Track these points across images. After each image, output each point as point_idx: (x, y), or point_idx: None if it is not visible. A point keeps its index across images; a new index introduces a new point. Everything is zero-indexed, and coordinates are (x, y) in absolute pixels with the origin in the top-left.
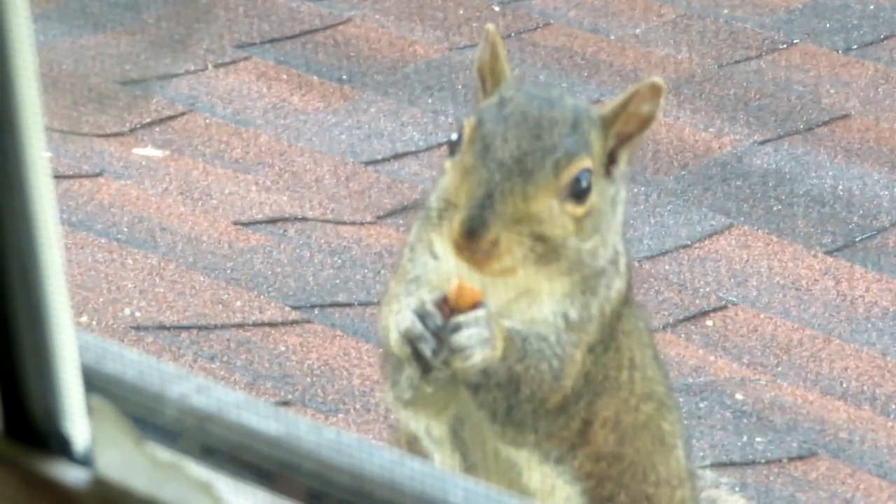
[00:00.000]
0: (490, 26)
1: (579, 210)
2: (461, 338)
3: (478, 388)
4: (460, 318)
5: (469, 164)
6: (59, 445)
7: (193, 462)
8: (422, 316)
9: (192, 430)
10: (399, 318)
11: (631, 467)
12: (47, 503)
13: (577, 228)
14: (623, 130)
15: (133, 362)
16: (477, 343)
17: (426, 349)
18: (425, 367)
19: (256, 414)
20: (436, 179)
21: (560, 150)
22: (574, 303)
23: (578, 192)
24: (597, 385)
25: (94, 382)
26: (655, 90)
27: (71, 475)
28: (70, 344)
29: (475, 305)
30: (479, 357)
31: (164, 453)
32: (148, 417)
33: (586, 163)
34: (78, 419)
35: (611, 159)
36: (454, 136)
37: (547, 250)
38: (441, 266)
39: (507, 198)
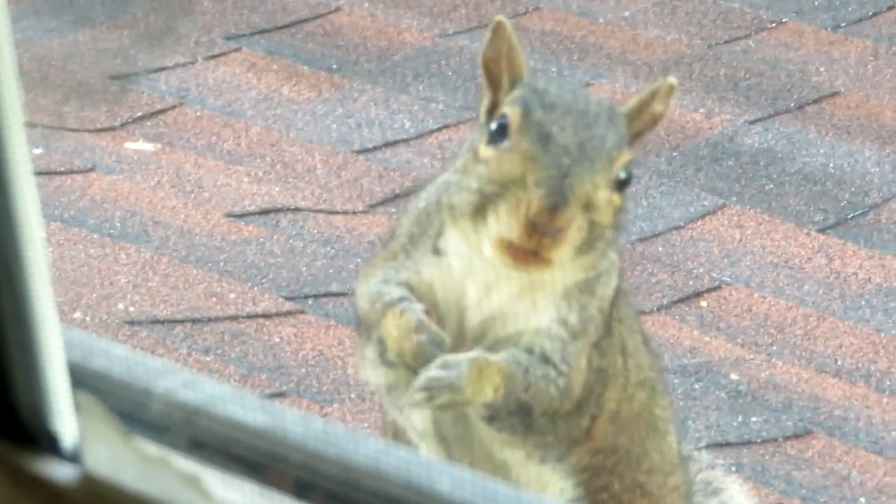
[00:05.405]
0: (502, 19)
1: (619, 202)
2: (425, 380)
3: (491, 419)
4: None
5: (529, 150)
6: (47, 443)
7: (181, 456)
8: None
9: (180, 424)
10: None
11: (626, 457)
12: (36, 500)
13: (616, 220)
14: (638, 128)
15: (120, 358)
16: (441, 387)
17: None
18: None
19: (243, 406)
20: (462, 172)
21: (612, 141)
22: (572, 305)
23: (620, 184)
24: (604, 377)
25: (82, 379)
26: (670, 89)
27: (59, 472)
28: (56, 341)
29: None
30: (442, 400)
31: (151, 448)
32: (135, 413)
33: (629, 155)
34: (65, 416)
35: None
36: (493, 126)
37: (595, 240)
38: (442, 262)
39: (581, 181)
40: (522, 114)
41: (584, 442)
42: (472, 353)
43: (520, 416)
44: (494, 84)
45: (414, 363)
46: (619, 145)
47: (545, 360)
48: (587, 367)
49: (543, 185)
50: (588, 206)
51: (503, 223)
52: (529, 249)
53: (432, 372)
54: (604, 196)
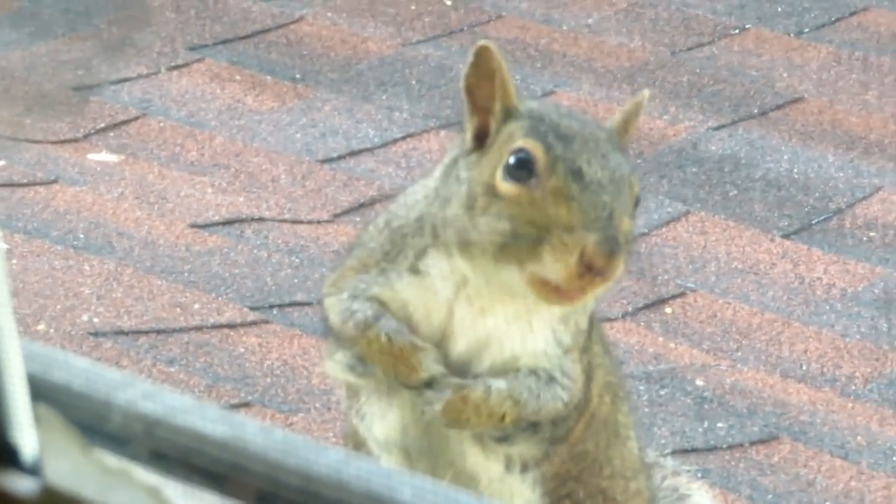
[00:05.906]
0: (487, 44)
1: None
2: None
3: (502, 440)
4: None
5: (566, 190)
6: (6, 456)
7: (142, 467)
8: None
9: (140, 435)
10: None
11: (591, 463)
12: None
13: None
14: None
15: (80, 370)
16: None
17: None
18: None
19: (203, 417)
20: (470, 206)
21: (628, 167)
22: (569, 325)
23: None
24: (590, 371)
25: (41, 391)
26: (642, 101)
27: (20, 485)
28: (15, 354)
29: None
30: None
31: (112, 460)
32: (96, 425)
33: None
34: (25, 429)
35: None
36: (512, 160)
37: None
38: (422, 283)
39: (622, 218)
40: (545, 149)
41: (563, 443)
42: (475, 381)
43: (529, 429)
44: (481, 109)
45: (419, 385)
46: (633, 170)
47: (551, 380)
48: (581, 370)
49: (594, 229)
50: (628, 240)
51: (547, 266)
52: (576, 289)
53: (437, 392)
54: (634, 226)
